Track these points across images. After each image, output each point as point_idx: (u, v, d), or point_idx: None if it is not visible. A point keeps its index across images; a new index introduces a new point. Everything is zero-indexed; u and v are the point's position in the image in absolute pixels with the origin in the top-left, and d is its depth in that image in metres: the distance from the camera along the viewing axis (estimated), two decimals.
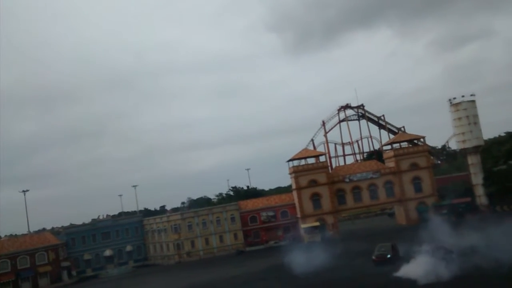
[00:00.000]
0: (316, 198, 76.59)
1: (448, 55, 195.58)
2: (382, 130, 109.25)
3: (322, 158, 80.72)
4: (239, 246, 77.88)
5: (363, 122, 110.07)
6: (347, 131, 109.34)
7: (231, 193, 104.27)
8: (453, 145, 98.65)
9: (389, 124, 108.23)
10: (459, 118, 75.96)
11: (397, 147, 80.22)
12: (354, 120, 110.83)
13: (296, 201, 78.44)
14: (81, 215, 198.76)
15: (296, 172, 77.52)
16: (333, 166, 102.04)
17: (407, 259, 37.20)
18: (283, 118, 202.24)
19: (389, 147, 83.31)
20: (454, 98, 76.76)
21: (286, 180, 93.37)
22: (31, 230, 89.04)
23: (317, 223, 74.02)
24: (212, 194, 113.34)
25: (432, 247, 36.49)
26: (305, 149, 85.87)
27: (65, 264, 76.35)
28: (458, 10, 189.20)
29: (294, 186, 79.10)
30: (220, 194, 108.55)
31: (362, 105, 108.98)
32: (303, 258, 45.70)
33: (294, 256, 46.94)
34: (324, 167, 79.03)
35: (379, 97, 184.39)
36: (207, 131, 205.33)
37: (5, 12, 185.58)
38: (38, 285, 72.52)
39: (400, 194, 76.59)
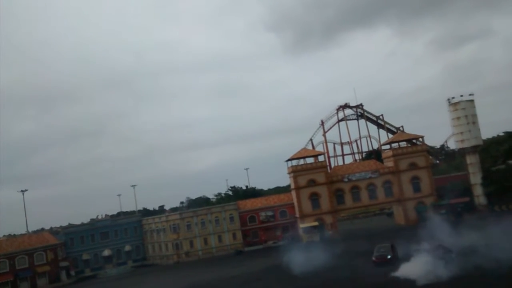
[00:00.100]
0: (314, 198, 76.59)
1: (447, 54, 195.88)
2: (381, 130, 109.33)
3: (321, 158, 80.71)
4: (237, 246, 77.85)
5: (362, 121, 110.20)
6: (346, 131, 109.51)
7: (230, 192, 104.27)
8: (452, 145, 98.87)
9: (388, 123, 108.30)
10: (458, 118, 76.04)
11: (395, 147, 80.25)
12: (353, 119, 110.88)
13: (295, 200, 78.42)
14: (80, 215, 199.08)
15: (295, 172, 77.52)
16: (332, 165, 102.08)
17: (406, 259, 37.16)
18: (282, 117, 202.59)
19: (387, 146, 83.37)
20: (453, 98, 76.89)
21: (285, 179, 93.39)
22: (30, 230, 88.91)
23: (316, 223, 74.00)
24: (211, 194, 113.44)
25: (431, 247, 36.47)
26: (304, 149, 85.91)
27: (63, 264, 76.24)
28: (457, 10, 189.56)
29: (292, 186, 79.10)
30: (219, 194, 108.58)
31: (361, 104, 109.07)
32: (302, 258, 45.67)
33: (292, 256, 46.92)
34: (323, 166, 79.03)
35: (378, 97, 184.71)
36: (206, 131, 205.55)
37: (5, 12, 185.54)
38: (37, 285, 72.42)
39: (399, 194, 76.61)
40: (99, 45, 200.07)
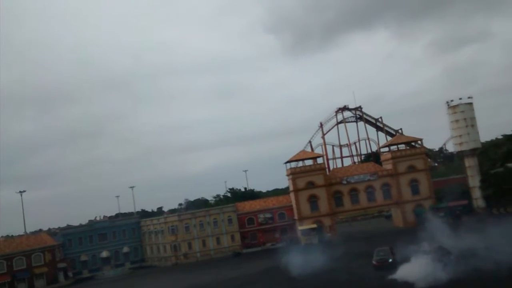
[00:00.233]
0: (313, 200, 76.53)
1: (446, 57, 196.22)
2: (379, 132, 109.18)
3: (319, 160, 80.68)
4: (236, 248, 77.73)
5: (361, 124, 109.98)
6: (345, 133, 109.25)
7: (229, 194, 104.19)
8: (451, 148, 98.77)
9: (387, 126, 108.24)
10: (457, 121, 76.11)
11: (394, 149, 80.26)
12: (351, 122, 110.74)
13: (293, 203, 78.35)
14: (78, 216, 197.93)
15: (294, 174, 77.48)
16: (331, 168, 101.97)
17: (404, 261, 37.05)
18: (281, 119, 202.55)
19: (386, 149, 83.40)
20: (452, 101, 76.98)
21: (283, 182, 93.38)
22: (28, 231, 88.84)
23: (314, 225, 73.95)
24: (209, 196, 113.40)
25: (430, 249, 36.39)
26: (303, 151, 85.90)
27: (61, 265, 76.08)
28: (456, 12, 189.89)
29: (291, 188, 79.05)
30: (218, 195, 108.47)
31: (360, 107, 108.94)
32: (300, 260, 45.63)
33: (291, 258, 46.86)
34: (321, 169, 79.01)
35: (377, 99, 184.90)
36: (204, 132, 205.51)
37: (4, 13, 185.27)
38: (34, 286, 72.19)
39: (397, 196, 76.59)
40: (98, 47, 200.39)
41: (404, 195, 76.39)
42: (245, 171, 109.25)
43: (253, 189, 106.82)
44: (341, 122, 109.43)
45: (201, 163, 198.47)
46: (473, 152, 76.15)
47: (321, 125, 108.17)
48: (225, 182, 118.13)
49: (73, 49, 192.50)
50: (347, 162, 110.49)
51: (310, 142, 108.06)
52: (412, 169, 77.17)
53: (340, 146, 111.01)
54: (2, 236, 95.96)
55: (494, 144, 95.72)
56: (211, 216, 79.53)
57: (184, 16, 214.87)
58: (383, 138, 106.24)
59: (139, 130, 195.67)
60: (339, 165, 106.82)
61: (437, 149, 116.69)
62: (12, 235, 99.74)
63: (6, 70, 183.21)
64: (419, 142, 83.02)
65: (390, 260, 39.27)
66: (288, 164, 79.64)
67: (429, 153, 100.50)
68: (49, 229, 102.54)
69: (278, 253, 54.73)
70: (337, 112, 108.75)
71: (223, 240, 78.90)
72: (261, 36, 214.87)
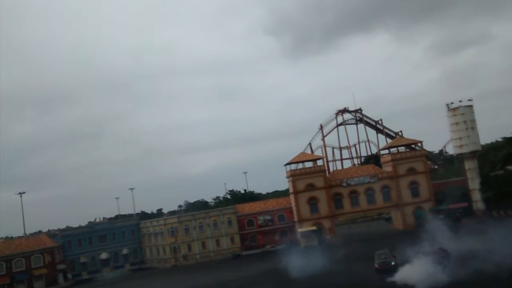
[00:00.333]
0: (313, 202, 76.49)
1: (446, 59, 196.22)
2: (379, 135, 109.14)
3: (319, 162, 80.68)
4: (235, 250, 77.65)
5: (361, 126, 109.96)
6: (345, 135, 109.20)
7: (228, 196, 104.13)
8: (451, 150, 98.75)
9: (387, 128, 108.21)
10: (457, 123, 76.16)
11: (394, 152, 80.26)
12: (351, 124, 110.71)
13: (293, 205, 78.31)
14: (78, 218, 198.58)
15: (294, 176, 77.45)
16: (331, 170, 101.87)
17: (404, 264, 36.97)
18: (281, 121, 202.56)
19: (386, 151, 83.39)
20: (452, 103, 77.06)
21: (283, 183, 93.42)
22: (27, 232, 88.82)
23: (314, 227, 73.92)
24: (209, 198, 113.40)
25: (430, 251, 36.29)
26: (303, 153, 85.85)
27: (60, 267, 76.03)
28: (456, 15, 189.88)
29: (291, 190, 79.00)
30: (217, 197, 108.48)
31: (360, 109, 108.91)
32: (300, 262, 45.58)
33: (290, 260, 46.80)
34: (321, 171, 78.98)
35: (377, 101, 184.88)
36: (204, 134, 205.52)
37: (4, 13, 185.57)
38: None
39: (397, 198, 76.55)
40: (98, 47, 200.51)
41: (404, 198, 76.35)
42: (245, 173, 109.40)
43: (253, 191, 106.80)
44: (341, 124, 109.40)
45: (201, 164, 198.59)
46: (473, 154, 76.16)
47: (321, 127, 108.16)
48: (225, 184, 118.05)
49: (73, 49, 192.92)
50: (347, 164, 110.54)
51: (310, 144, 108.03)
52: (412, 171, 77.15)
53: (340, 148, 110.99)
54: (1, 238, 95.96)
55: (494, 147, 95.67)
56: (211, 218, 79.49)
57: (184, 17, 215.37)
58: (383, 141, 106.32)
59: (139, 131, 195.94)
60: (339, 167, 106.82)
61: (437, 152, 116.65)
62: (11, 237, 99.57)
63: (6, 70, 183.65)
64: (419, 144, 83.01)
65: (393, 263, 38.72)
66: (288, 166, 79.63)
67: (429, 156, 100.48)
68: (49, 230, 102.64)
69: (277, 255, 54.69)
70: (337, 114, 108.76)
71: (222, 242, 78.84)
72: (261, 38, 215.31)
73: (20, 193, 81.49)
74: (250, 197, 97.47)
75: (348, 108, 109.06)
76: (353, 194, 77.55)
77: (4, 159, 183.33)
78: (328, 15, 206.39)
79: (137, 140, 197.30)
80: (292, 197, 78.93)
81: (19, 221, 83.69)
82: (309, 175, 77.34)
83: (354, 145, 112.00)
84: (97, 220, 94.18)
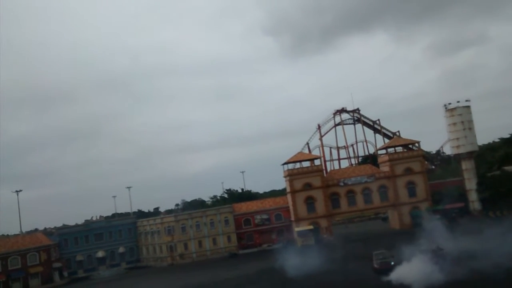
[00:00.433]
0: (310, 202, 76.51)
1: (444, 60, 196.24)
2: (377, 135, 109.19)
3: (317, 162, 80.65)
4: (232, 249, 77.59)
5: (359, 126, 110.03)
6: (343, 135, 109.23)
7: (226, 195, 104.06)
8: (448, 150, 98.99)
9: (384, 128, 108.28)
10: (454, 124, 76.33)
11: (391, 152, 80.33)
12: (349, 124, 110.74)
13: (290, 204, 78.35)
14: (74, 216, 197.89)
15: (291, 175, 77.46)
16: (328, 169, 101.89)
17: (400, 263, 36.93)
18: (279, 121, 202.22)
19: (384, 151, 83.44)
20: (449, 104, 77.23)
21: (280, 183, 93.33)
22: (23, 230, 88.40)
23: (311, 227, 73.94)
24: (206, 197, 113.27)
25: (426, 251, 36.27)
26: (300, 153, 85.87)
27: (57, 265, 75.83)
28: (455, 16, 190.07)
29: (288, 189, 79.01)
30: (215, 196, 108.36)
31: (357, 109, 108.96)
32: (296, 262, 45.58)
33: (287, 260, 46.80)
34: (318, 170, 78.99)
35: (374, 102, 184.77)
36: (202, 133, 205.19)
37: (2, 13, 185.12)
38: (29, 286, 71.88)
39: (394, 198, 76.63)
40: (96, 46, 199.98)
41: (400, 197, 76.43)
42: (242, 172, 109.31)
43: (250, 190, 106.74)
44: (339, 124, 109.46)
45: (199, 163, 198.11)
46: (470, 155, 76.32)
47: (319, 127, 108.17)
48: (222, 183, 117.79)
49: (72, 49, 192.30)
50: (345, 164, 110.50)
51: (307, 143, 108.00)
52: (409, 171, 77.23)
53: (338, 148, 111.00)
54: None
55: (491, 147, 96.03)
56: (208, 217, 79.44)
57: (183, 17, 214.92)
58: (380, 141, 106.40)
59: (137, 130, 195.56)
60: (337, 167, 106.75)
61: (434, 152, 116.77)
62: (7, 235, 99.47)
63: (4, 69, 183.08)
64: (417, 144, 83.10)
65: (392, 263, 38.27)
66: (285, 165, 79.60)
67: (426, 156, 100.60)
68: (45, 228, 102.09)
69: (274, 254, 54.69)
70: (335, 114, 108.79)
71: (219, 241, 78.80)
72: (260, 38, 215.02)
73: (16, 191, 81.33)
74: (247, 196, 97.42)
75: (346, 108, 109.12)
76: (350, 194, 77.59)
77: (1, 157, 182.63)
78: (327, 15, 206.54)
79: (134, 139, 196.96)
80: (289, 196, 78.94)
81: (16, 219, 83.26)
82: (306, 174, 77.36)
83: (352, 145, 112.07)
84: (94, 219, 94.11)
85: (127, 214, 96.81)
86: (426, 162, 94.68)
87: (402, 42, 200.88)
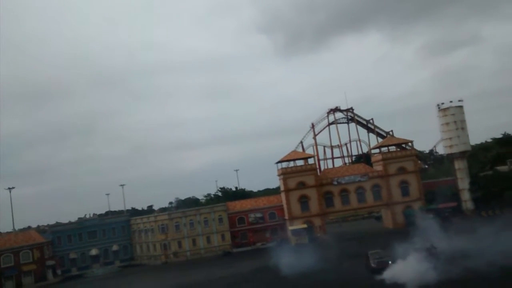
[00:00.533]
0: (304, 200, 76.75)
1: (437, 60, 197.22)
2: (370, 134, 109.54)
3: (310, 161, 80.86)
4: (226, 247, 77.72)
5: (352, 125, 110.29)
6: (336, 134, 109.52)
7: (219, 193, 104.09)
8: (441, 150, 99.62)
9: (378, 127, 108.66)
10: (447, 123, 76.81)
11: (385, 151, 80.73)
12: (343, 123, 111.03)
13: (284, 203, 78.54)
14: (68, 214, 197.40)
15: (285, 174, 77.64)
16: (322, 168, 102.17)
17: (394, 262, 37.14)
18: (272, 119, 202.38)
19: (377, 150, 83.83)
20: (442, 103, 77.69)
21: (274, 181, 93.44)
22: (16, 228, 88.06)
23: (305, 225, 74.22)
24: (200, 195, 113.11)
25: (420, 249, 36.47)
26: (294, 151, 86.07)
27: (50, 262, 75.57)
28: (448, 16, 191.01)
29: (282, 188, 79.21)
30: (208, 194, 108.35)
31: (351, 108, 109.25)
32: (290, 260, 45.77)
33: (281, 258, 46.97)
34: (312, 169, 79.24)
35: (368, 101, 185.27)
36: (196, 131, 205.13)
37: None
38: (22, 284, 71.65)
39: (388, 197, 77.05)
40: (93, 43, 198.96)
41: (394, 197, 76.87)
42: (236, 170, 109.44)
43: (244, 189, 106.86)
44: (332, 123, 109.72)
45: (193, 161, 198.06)
46: (462, 154, 76.85)
47: (313, 126, 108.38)
48: (216, 181, 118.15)
49: (68, 46, 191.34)
50: (338, 163, 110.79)
51: (301, 142, 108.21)
52: (402, 170, 77.66)
53: (331, 147, 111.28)
54: None
55: (483, 147, 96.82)
56: (202, 215, 79.47)
57: (178, 15, 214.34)
58: (374, 140, 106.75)
59: (131, 128, 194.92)
60: (330, 166, 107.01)
61: (427, 151, 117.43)
62: (0, 232, 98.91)
63: (0, 65, 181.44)
64: (410, 144, 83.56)
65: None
66: (279, 164, 79.79)
67: (419, 155, 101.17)
68: (38, 226, 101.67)
69: (268, 252, 54.87)
70: (328, 113, 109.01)
71: (213, 239, 78.87)
72: (254, 36, 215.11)
73: (9, 188, 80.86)
74: (241, 194, 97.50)
75: (339, 107, 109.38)
76: (344, 193, 77.92)
77: None
78: (321, 14, 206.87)
79: (129, 136, 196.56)
80: (283, 195, 79.14)
81: (8, 216, 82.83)
82: (300, 173, 77.57)
83: (345, 144, 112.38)
84: (87, 216, 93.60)
85: (121, 212, 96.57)
86: (419, 162, 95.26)
87: (396, 42, 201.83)
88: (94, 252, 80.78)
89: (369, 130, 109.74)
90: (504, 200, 68.77)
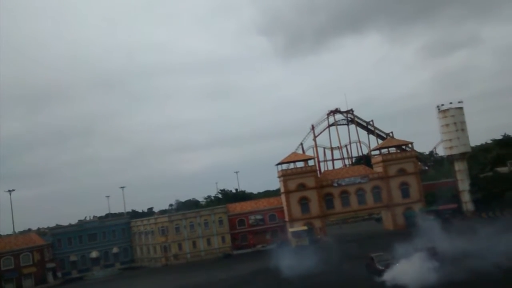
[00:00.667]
0: (304, 202, 76.74)
1: (437, 61, 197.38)
2: (370, 135, 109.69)
3: (310, 162, 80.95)
4: (226, 250, 77.65)
5: (352, 127, 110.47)
6: (336, 136, 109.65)
7: (220, 196, 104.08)
8: (441, 151, 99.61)
9: (378, 129, 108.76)
10: (447, 125, 76.85)
11: (385, 153, 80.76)
12: (343, 124, 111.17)
13: (284, 204, 78.51)
14: (68, 216, 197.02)
15: (285, 176, 77.64)
16: (322, 170, 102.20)
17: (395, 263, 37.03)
18: (272, 121, 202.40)
19: (377, 152, 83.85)
20: (442, 105, 77.79)
21: (274, 183, 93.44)
22: (16, 230, 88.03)
23: (305, 227, 74.19)
24: (200, 197, 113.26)
25: (421, 250, 36.36)
26: (294, 153, 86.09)
27: (50, 265, 75.45)
28: (447, 18, 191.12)
29: (282, 190, 79.19)
30: (209, 196, 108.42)
31: (351, 110, 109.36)
32: (291, 262, 45.67)
33: (281, 260, 46.88)
34: (312, 171, 79.25)
35: (368, 102, 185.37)
36: (196, 133, 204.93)
37: None
38: (22, 287, 71.47)
39: (388, 199, 77.04)
40: (92, 45, 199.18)
41: (394, 198, 76.87)
42: (237, 172, 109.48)
43: (244, 191, 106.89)
44: (332, 124, 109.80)
45: (193, 163, 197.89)
46: (463, 156, 76.86)
47: (313, 128, 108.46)
48: (216, 183, 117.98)
49: (67, 47, 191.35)
50: (338, 164, 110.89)
51: (301, 144, 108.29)
52: (402, 172, 77.69)
53: (332, 149, 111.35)
54: None
55: (483, 149, 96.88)
56: (202, 217, 79.42)
57: (177, 16, 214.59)
58: (374, 141, 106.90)
59: (131, 130, 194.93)
60: (330, 168, 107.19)
61: (427, 153, 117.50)
62: (0, 235, 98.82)
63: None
64: (410, 145, 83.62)
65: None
66: (279, 166, 79.82)
67: (419, 157, 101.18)
68: (38, 228, 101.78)
69: (268, 254, 54.73)
70: (328, 114, 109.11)
71: (213, 241, 78.80)
72: (254, 37, 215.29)
73: (9, 190, 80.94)
74: (241, 196, 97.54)
75: (339, 108, 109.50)
76: (344, 195, 77.92)
77: None
78: (321, 16, 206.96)
79: (129, 138, 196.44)
80: (283, 197, 79.11)
81: (8, 219, 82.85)
82: (300, 175, 77.58)
83: (345, 146, 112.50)
84: (88, 219, 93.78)
85: (121, 214, 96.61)
86: (419, 163, 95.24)
87: (395, 43, 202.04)
88: (94, 254, 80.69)
89: (369, 131, 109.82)
90: (505, 201, 68.79)
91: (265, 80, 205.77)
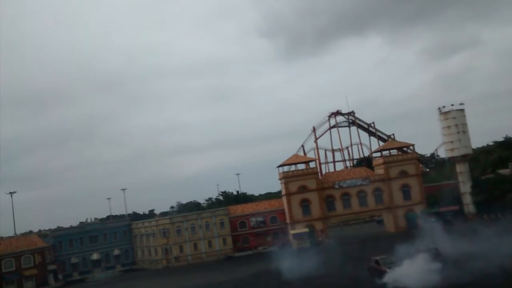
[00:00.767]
0: (305, 204, 76.66)
1: (438, 63, 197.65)
2: (372, 137, 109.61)
3: (312, 164, 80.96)
4: (227, 252, 77.61)
5: (353, 129, 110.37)
6: (337, 138, 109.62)
7: (221, 198, 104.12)
8: (442, 153, 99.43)
9: (379, 131, 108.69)
10: (448, 127, 76.68)
11: (386, 155, 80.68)
12: (344, 126, 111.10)
13: (285, 207, 78.44)
14: (69, 218, 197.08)
15: (286, 178, 77.58)
16: (323, 172, 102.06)
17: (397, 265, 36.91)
18: (274, 123, 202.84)
19: (378, 154, 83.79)
20: (444, 107, 77.62)
21: (276, 185, 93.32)
22: (18, 232, 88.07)
23: (306, 229, 74.06)
24: (201, 199, 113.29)
25: (423, 252, 36.26)
26: (295, 155, 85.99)
27: (51, 267, 75.51)
28: (448, 19, 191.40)
29: (283, 192, 79.13)
30: (210, 198, 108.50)
31: (352, 112, 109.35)
32: (292, 264, 45.57)
33: (283, 262, 46.79)
34: (314, 173, 79.20)
35: (369, 104, 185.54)
36: (197, 135, 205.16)
37: None
38: None
39: (389, 201, 76.92)
40: (91, 47, 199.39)
41: (395, 200, 76.75)
42: (238, 174, 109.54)
43: (246, 193, 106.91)
44: (333, 126, 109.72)
45: (194, 165, 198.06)
46: (464, 158, 76.69)
47: (314, 130, 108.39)
48: (217, 185, 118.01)
49: (66, 49, 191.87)
50: (340, 166, 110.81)
51: (302, 146, 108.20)
52: (403, 174, 77.60)
53: (333, 151, 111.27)
54: None
55: (485, 151, 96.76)
56: (203, 219, 79.36)
57: (178, 18, 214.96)
58: (375, 143, 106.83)
59: (132, 132, 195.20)
60: (332, 170, 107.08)
61: (428, 155, 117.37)
62: (1, 237, 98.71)
63: None
64: (411, 147, 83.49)
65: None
66: (280, 168, 79.78)
67: (420, 159, 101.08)
68: (40, 230, 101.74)
69: (270, 257, 54.62)
70: (330, 116, 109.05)
71: (214, 243, 78.73)
72: (255, 40, 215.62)
73: (10, 192, 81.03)
74: (242, 198, 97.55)
75: (340, 110, 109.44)
76: (345, 197, 77.84)
77: None
78: (322, 18, 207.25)
79: (129, 140, 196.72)
80: (284, 199, 79.04)
81: (10, 221, 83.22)
82: (301, 177, 77.52)
83: (347, 148, 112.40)
84: (89, 221, 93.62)
85: (122, 216, 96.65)
86: (420, 165, 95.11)
87: (396, 45, 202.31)
88: (95, 256, 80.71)
89: (370, 133, 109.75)
90: (506, 203, 68.65)
91: (266, 82, 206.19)
